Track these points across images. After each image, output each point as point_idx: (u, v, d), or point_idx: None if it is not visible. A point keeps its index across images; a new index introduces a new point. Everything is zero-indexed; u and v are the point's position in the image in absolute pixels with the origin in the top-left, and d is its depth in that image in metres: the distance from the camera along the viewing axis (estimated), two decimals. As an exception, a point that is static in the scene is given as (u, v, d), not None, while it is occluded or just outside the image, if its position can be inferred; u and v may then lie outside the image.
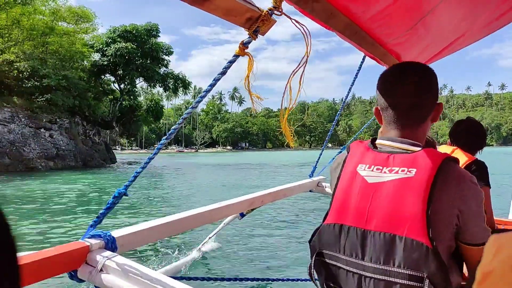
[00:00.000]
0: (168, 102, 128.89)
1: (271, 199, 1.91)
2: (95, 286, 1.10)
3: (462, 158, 1.90)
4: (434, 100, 0.95)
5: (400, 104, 0.93)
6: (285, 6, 1.10)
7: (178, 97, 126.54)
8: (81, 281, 1.14)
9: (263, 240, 6.20)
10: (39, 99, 23.93)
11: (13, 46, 24.10)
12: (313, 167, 2.30)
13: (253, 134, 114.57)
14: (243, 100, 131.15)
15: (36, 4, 25.90)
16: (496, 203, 2.00)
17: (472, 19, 1.76)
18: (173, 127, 1.21)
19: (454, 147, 2.00)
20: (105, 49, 30.87)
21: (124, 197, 1.26)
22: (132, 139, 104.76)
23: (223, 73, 1.14)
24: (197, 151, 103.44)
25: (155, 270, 1.20)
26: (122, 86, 33.47)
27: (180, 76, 36.92)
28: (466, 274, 0.99)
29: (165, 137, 1.22)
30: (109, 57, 30.49)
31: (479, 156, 2.00)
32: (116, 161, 34.11)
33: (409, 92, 0.92)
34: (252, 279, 2.15)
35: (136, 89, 36.39)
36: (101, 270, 1.11)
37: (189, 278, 2.08)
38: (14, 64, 23.22)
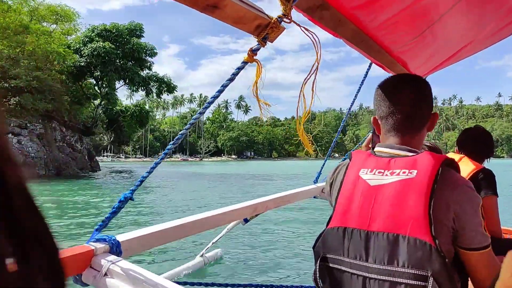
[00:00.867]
0: (173, 110, 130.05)
1: (275, 205, 1.90)
2: None
3: (470, 166, 1.89)
4: (430, 110, 1.00)
5: (400, 112, 0.97)
6: (294, 14, 1.12)
7: (184, 105, 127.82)
8: (85, 285, 1.13)
9: (266, 246, 6.16)
10: (10, 102, 21.77)
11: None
12: (318, 173, 2.31)
13: (259, 143, 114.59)
14: (249, 109, 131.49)
15: (13, 1, 24.16)
16: (504, 213, 1.96)
17: (479, 27, 1.77)
18: (180, 133, 1.22)
19: (462, 155, 1.99)
20: (82, 49, 28.35)
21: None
22: (137, 147, 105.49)
23: (231, 79, 1.15)
24: (201, 159, 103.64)
25: (159, 275, 1.19)
26: (102, 89, 30.68)
27: (165, 79, 33.86)
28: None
29: (171, 142, 1.23)
30: (86, 57, 27.95)
31: (486, 164, 1.99)
32: (99, 170, 32.00)
33: (408, 101, 0.97)
34: (256, 286, 2.13)
35: (116, 93, 33.21)
36: (105, 274, 1.10)
37: (192, 284, 2.08)
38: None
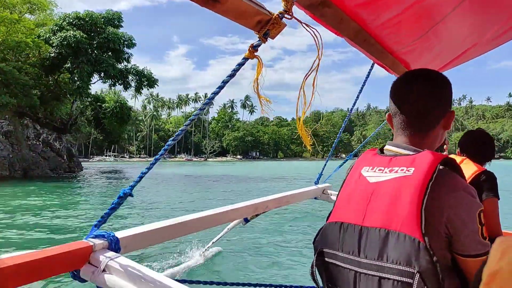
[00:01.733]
0: (178, 109, 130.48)
1: (276, 205, 1.89)
2: (97, 286, 1.09)
3: (472, 168, 1.90)
4: (444, 107, 0.96)
5: (407, 111, 0.96)
6: (296, 11, 1.11)
7: (189, 105, 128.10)
8: (83, 281, 1.13)
9: (266, 246, 6.16)
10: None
11: None
12: (319, 174, 2.29)
13: (264, 143, 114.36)
14: (255, 109, 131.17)
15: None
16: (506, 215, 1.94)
17: (483, 29, 1.75)
18: (180, 129, 1.21)
19: (463, 157, 2.01)
20: (51, 38, 25.80)
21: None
22: (141, 146, 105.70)
23: (232, 75, 1.14)
24: (206, 160, 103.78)
25: (159, 272, 1.19)
26: (73, 83, 27.52)
27: (145, 73, 31.22)
28: None
29: (171, 138, 1.23)
30: (55, 47, 25.57)
31: (488, 167, 1.99)
32: (80, 170, 29.57)
33: (416, 99, 0.95)
34: (255, 285, 2.12)
35: (90, 87, 29.84)
36: (104, 270, 1.09)
37: (192, 282, 2.07)
38: None
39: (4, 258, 0.89)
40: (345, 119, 2.55)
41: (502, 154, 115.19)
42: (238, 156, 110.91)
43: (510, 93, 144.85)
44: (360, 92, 2.19)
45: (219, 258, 4.73)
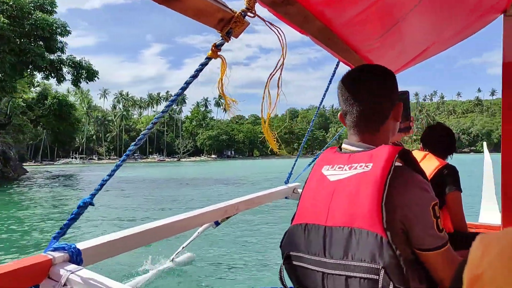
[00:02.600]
0: (150, 109, 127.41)
1: (246, 206, 1.88)
2: None
3: (434, 163, 1.95)
4: (392, 101, 0.98)
5: (357, 111, 0.96)
6: (260, 10, 1.09)
7: (160, 104, 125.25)
8: None
9: (238, 249, 6.10)
10: None
11: None
12: (289, 174, 2.29)
13: (239, 142, 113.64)
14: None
15: None
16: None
17: (441, 28, 1.82)
18: (142, 133, 1.16)
19: (426, 152, 2.05)
20: None
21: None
22: (111, 147, 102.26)
23: (194, 76, 1.11)
24: (179, 160, 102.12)
25: (124, 284, 1.14)
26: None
27: (83, 64, 27.94)
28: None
29: (133, 143, 1.18)
30: None
31: (450, 160, 2.06)
32: (17, 176, 25.59)
33: (364, 98, 0.95)
34: None
35: (16, 82, 26.15)
36: (65, 284, 1.04)
37: None
38: None
39: None
40: (313, 118, 2.58)
41: (472, 148, 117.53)
42: (213, 156, 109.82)
43: (479, 88, 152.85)
44: (326, 91, 2.21)
45: (189, 264, 4.62)
